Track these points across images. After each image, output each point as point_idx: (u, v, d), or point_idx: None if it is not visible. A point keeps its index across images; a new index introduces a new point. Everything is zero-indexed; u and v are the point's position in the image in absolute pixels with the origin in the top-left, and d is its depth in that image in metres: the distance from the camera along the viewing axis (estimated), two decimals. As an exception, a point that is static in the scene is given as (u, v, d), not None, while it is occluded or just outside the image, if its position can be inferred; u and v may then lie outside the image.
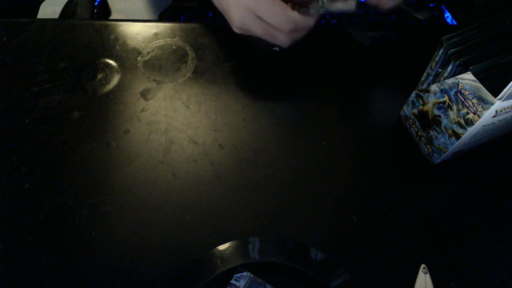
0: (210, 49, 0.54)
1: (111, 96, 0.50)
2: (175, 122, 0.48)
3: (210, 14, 0.67)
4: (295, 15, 0.43)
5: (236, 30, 0.47)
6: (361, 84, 0.52)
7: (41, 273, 0.39)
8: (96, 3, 0.77)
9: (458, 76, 0.36)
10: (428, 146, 0.44)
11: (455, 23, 0.67)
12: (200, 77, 0.52)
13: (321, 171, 0.45)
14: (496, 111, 0.35)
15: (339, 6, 0.43)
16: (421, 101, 0.43)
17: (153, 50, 0.54)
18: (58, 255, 0.40)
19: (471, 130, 0.37)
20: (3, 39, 0.55)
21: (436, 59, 0.40)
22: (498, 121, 0.38)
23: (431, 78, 0.42)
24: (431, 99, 0.41)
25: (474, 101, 0.36)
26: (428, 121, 0.43)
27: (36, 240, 0.41)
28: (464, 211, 0.43)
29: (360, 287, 0.38)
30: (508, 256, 0.40)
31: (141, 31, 0.56)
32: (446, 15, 0.68)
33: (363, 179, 0.45)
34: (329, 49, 0.55)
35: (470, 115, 0.37)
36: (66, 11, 0.76)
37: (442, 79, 0.40)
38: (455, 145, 0.40)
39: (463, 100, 0.37)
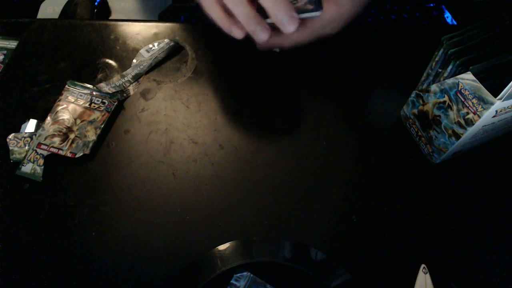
0: (210, 49, 0.54)
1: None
2: (175, 122, 0.48)
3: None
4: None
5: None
6: (361, 84, 0.52)
7: (41, 273, 0.39)
8: (96, 3, 0.77)
9: (458, 76, 0.36)
10: (428, 146, 0.44)
11: (455, 23, 0.67)
12: (200, 77, 0.52)
13: (321, 171, 0.45)
14: (496, 111, 0.35)
15: (305, 15, 0.40)
16: (421, 101, 0.43)
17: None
18: (58, 255, 0.40)
19: (471, 130, 0.37)
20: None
21: (436, 59, 0.40)
22: (498, 121, 0.38)
23: (431, 78, 0.42)
24: (431, 99, 0.41)
25: (474, 101, 0.36)
26: (428, 121, 0.43)
27: (36, 240, 0.41)
28: (464, 211, 0.43)
29: (360, 287, 0.38)
30: (508, 256, 0.40)
31: (141, 31, 0.56)
32: (446, 15, 0.68)
33: (363, 179, 0.45)
34: (329, 49, 0.55)
35: (470, 115, 0.37)
36: (66, 11, 0.76)
37: (442, 79, 0.40)
38: (455, 145, 0.40)
39: (463, 100, 0.37)
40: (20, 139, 0.45)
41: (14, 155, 0.45)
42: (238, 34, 0.40)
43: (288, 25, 0.37)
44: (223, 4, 0.38)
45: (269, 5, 0.37)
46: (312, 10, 0.39)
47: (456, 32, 0.39)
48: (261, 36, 0.39)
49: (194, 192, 0.44)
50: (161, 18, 0.73)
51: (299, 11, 0.39)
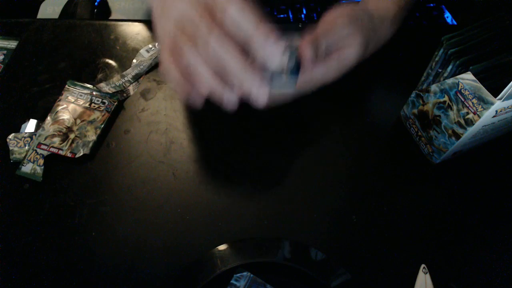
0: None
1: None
2: (175, 122, 0.48)
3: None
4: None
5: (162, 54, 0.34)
6: (361, 84, 0.52)
7: (41, 273, 0.39)
8: (96, 3, 0.77)
9: (458, 76, 0.36)
10: (428, 146, 0.44)
11: (455, 23, 0.67)
12: (200, 77, 0.52)
13: (321, 171, 0.45)
14: (496, 111, 0.35)
15: (278, 88, 0.36)
16: (421, 101, 0.43)
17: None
18: (58, 255, 0.40)
19: (471, 130, 0.37)
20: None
21: (436, 59, 0.40)
22: (498, 121, 0.38)
23: (431, 78, 0.42)
24: (431, 99, 0.41)
25: (474, 101, 0.36)
26: (428, 121, 0.43)
27: (36, 240, 0.41)
28: (464, 211, 0.43)
29: (360, 287, 0.38)
30: (508, 256, 0.40)
31: (141, 31, 0.56)
32: (446, 15, 0.68)
33: (363, 179, 0.45)
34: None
35: (470, 115, 0.37)
36: (66, 11, 0.76)
37: (442, 79, 0.40)
38: (455, 145, 0.40)
39: (463, 100, 0.37)
40: (20, 139, 0.45)
41: (14, 155, 0.45)
42: (196, 102, 0.35)
43: (258, 101, 0.32)
44: (184, 66, 0.33)
45: (236, 75, 0.32)
46: (286, 86, 0.36)
47: (456, 32, 0.39)
48: (230, 104, 0.33)
49: (194, 192, 0.44)
50: (161, 18, 0.73)
51: (273, 82, 0.35)
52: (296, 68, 0.36)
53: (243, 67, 0.31)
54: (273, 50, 0.31)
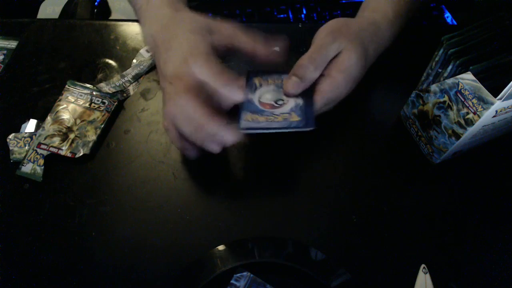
0: (210, 49, 0.54)
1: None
2: (175, 122, 0.48)
3: (210, 14, 0.67)
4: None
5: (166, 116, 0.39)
6: (361, 84, 0.52)
7: (41, 273, 0.39)
8: (96, 3, 0.77)
9: (458, 76, 0.36)
10: (428, 146, 0.44)
11: (455, 23, 0.67)
12: (200, 77, 0.52)
13: (321, 171, 0.45)
14: (496, 111, 0.35)
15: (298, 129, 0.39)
16: (421, 101, 0.43)
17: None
18: (58, 255, 0.40)
19: (471, 130, 0.37)
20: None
21: (436, 59, 0.40)
22: (498, 121, 0.38)
23: (431, 78, 0.42)
24: (431, 99, 0.41)
25: (474, 101, 0.36)
26: (428, 121, 0.43)
27: (36, 240, 0.41)
28: (464, 211, 0.43)
29: (360, 287, 0.38)
30: (508, 256, 0.40)
31: (141, 31, 0.56)
32: (446, 15, 0.68)
33: (363, 179, 0.45)
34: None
35: (470, 115, 0.37)
36: (66, 11, 0.76)
37: (442, 79, 0.40)
38: (455, 145, 0.40)
39: (463, 100, 0.37)
40: (20, 139, 0.45)
41: (14, 155, 0.45)
42: (191, 155, 0.41)
43: (229, 139, 0.37)
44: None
45: (192, 135, 0.37)
46: (301, 126, 0.39)
47: (456, 32, 0.39)
48: (214, 149, 0.38)
49: (194, 192, 0.44)
50: (161, 18, 0.73)
51: (287, 124, 0.39)
52: (309, 106, 0.40)
53: (206, 121, 0.36)
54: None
